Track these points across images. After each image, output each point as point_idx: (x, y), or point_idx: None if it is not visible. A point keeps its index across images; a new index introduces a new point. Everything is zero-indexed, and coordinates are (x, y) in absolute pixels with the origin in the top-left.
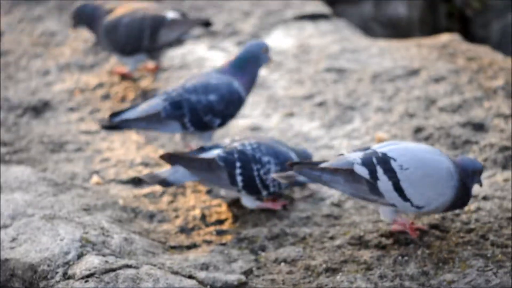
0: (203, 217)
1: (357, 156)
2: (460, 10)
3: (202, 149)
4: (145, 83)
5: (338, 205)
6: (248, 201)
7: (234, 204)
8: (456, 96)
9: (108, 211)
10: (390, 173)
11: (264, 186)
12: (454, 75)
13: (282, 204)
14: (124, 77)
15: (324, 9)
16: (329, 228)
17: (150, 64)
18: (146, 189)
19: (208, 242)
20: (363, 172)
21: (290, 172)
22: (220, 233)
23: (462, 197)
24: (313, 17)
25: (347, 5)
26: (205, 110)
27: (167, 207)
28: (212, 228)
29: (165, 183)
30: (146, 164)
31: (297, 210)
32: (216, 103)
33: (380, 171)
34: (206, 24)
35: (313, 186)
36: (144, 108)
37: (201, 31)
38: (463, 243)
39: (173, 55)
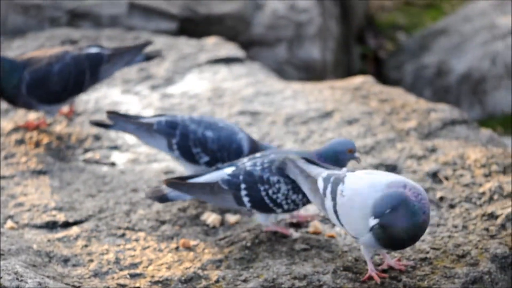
0: (117, 260)
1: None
2: (374, 52)
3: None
4: (60, 127)
5: (251, 248)
6: (262, 219)
7: (149, 247)
8: (369, 138)
9: (23, 255)
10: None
11: (276, 205)
12: (367, 117)
13: (289, 232)
14: (37, 127)
15: (238, 52)
16: (242, 271)
17: (65, 108)
18: (60, 233)
19: (122, 286)
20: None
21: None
22: (133, 276)
23: None
24: (227, 60)
25: (261, 48)
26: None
27: (81, 251)
28: (125, 272)
29: (164, 199)
30: (60, 209)
31: (210, 253)
32: None
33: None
34: (149, 57)
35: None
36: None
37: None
38: (375, 285)
39: (87, 99)
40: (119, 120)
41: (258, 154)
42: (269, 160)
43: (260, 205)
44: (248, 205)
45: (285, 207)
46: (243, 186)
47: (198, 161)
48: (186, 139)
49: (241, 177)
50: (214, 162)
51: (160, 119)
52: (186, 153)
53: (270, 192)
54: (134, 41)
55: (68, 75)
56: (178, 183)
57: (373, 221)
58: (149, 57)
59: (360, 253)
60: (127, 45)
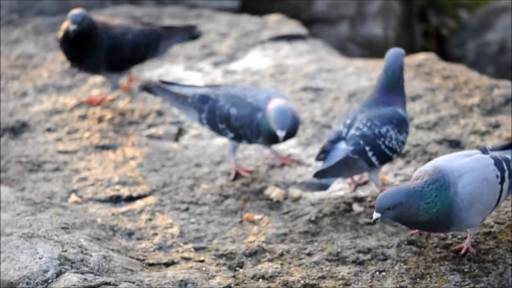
0: (181, 234)
1: None
2: (436, 30)
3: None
4: (122, 103)
5: (315, 221)
6: (374, 176)
7: (213, 221)
8: (432, 114)
9: (87, 229)
10: None
11: (393, 151)
12: (430, 93)
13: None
14: (100, 103)
15: (300, 29)
16: (307, 244)
17: (125, 82)
18: (124, 207)
19: (186, 259)
20: None
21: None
22: (198, 250)
23: None
24: (290, 37)
25: (323, 26)
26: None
27: (145, 225)
28: (190, 245)
29: (323, 187)
30: (123, 183)
31: (274, 227)
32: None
33: None
34: (194, 36)
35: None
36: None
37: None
38: (440, 259)
39: (151, 75)
40: (159, 90)
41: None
42: (366, 117)
43: (385, 158)
44: (376, 162)
45: (398, 150)
46: (367, 148)
47: (225, 136)
48: (214, 114)
49: (361, 142)
50: (239, 139)
51: (196, 91)
52: (214, 128)
53: (386, 142)
54: (196, 18)
55: (138, 45)
56: (325, 171)
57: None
58: (194, 36)
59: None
60: (179, 26)
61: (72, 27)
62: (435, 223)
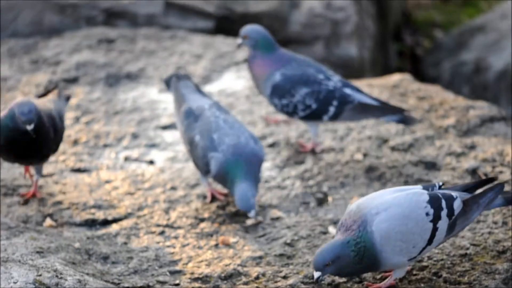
0: (157, 257)
1: None
2: (411, 49)
3: None
4: (98, 126)
5: (290, 244)
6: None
7: (188, 244)
8: (407, 135)
9: (62, 253)
10: None
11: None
12: None
13: None
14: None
15: None
16: (282, 267)
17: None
18: (100, 231)
19: (162, 283)
20: None
21: None
22: (173, 273)
23: None
24: None
25: (298, 46)
26: None
27: (121, 249)
28: (165, 269)
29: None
30: (99, 207)
31: (250, 250)
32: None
33: None
34: None
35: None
36: None
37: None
38: (416, 281)
39: (125, 98)
40: (173, 85)
41: None
42: None
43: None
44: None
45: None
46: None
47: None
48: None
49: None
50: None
51: (189, 106)
52: (186, 147)
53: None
54: (170, 40)
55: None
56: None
57: None
58: None
59: None
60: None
61: (30, 127)
62: (369, 267)
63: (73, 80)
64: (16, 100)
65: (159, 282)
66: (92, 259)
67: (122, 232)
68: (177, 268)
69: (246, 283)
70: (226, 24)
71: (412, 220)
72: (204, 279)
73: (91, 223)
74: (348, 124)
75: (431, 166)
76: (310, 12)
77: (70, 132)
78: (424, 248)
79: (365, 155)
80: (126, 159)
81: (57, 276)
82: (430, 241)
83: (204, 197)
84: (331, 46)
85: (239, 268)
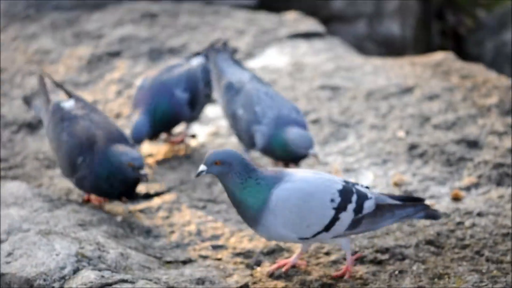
0: (199, 232)
1: None
2: (453, 29)
3: None
4: None
5: None
6: None
7: (230, 219)
8: (450, 113)
9: (104, 226)
10: None
11: None
12: (448, 93)
13: None
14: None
15: (318, 27)
16: (324, 244)
17: None
18: (142, 205)
19: (204, 257)
20: None
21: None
22: (215, 248)
23: None
24: (307, 35)
25: (341, 24)
26: None
27: (163, 223)
28: (207, 243)
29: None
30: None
31: None
32: None
33: None
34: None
35: None
36: None
37: None
38: (458, 259)
39: None
40: (212, 55)
41: None
42: None
43: None
44: None
45: None
46: None
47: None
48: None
49: None
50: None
51: (229, 80)
52: (228, 121)
53: None
54: (213, 15)
55: None
56: None
57: None
58: None
59: (442, 227)
60: None
61: (143, 171)
62: (245, 209)
63: (116, 54)
64: (121, 147)
65: (201, 256)
66: (134, 232)
67: (164, 206)
68: (219, 243)
69: (288, 258)
70: (269, 1)
71: (314, 200)
72: (246, 254)
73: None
74: (391, 102)
75: (473, 144)
76: None
77: (112, 106)
78: (319, 233)
79: (407, 132)
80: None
81: (99, 249)
82: (327, 228)
83: None
84: (374, 23)
85: (281, 243)
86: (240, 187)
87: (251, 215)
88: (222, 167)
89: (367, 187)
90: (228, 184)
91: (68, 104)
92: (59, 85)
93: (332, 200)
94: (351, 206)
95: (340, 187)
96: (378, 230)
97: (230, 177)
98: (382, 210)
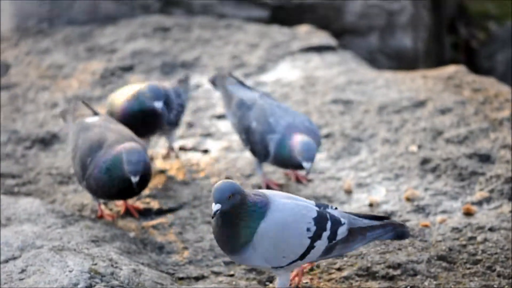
0: (211, 248)
1: None
2: (465, 42)
3: None
4: None
5: None
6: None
7: None
8: (462, 127)
9: (117, 242)
10: None
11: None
12: (460, 107)
13: None
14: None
15: (330, 41)
16: (337, 259)
17: None
18: (155, 221)
19: (217, 273)
20: None
21: None
22: (228, 264)
23: None
24: (320, 48)
25: (353, 37)
26: None
27: (176, 239)
28: (220, 259)
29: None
30: (154, 196)
31: None
32: None
33: None
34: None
35: None
36: None
37: None
38: (470, 274)
39: None
40: (220, 83)
41: None
42: None
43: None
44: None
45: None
46: None
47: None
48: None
49: None
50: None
51: (240, 98)
52: (240, 138)
53: None
54: (226, 29)
55: None
56: None
57: None
58: None
59: (453, 242)
60: None
61: (135, 179)
62: (234, 239)
63: (129, 69)
64: (127, 144)
65: (213, 272)
66: (147, 248)
67: (177, 221)
68: None
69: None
70: (282, 14)
71: (292, 230)
72: (259, 270)
73: (146, 213)
74: (404, 116)
75: (486, 158)
76: (366, 2)
77: None
78: (293, 261)
79: (419, 146)
80: (182, 148)
81: (112, 265)
82: (302, 257)
83: (259, 187)
84: (386, 36)
85: None
86: (253, 215)
87: (234, 245)
88: (234, 199)
89: (336, 208)
90: (242, 214)
91: (92, 119)
92: (86, 104)
93: (308, 230)
94: (325, 234)
95: (314, 214)
96: (388, 246)
97: (246, 206)
98: (353, 234)
